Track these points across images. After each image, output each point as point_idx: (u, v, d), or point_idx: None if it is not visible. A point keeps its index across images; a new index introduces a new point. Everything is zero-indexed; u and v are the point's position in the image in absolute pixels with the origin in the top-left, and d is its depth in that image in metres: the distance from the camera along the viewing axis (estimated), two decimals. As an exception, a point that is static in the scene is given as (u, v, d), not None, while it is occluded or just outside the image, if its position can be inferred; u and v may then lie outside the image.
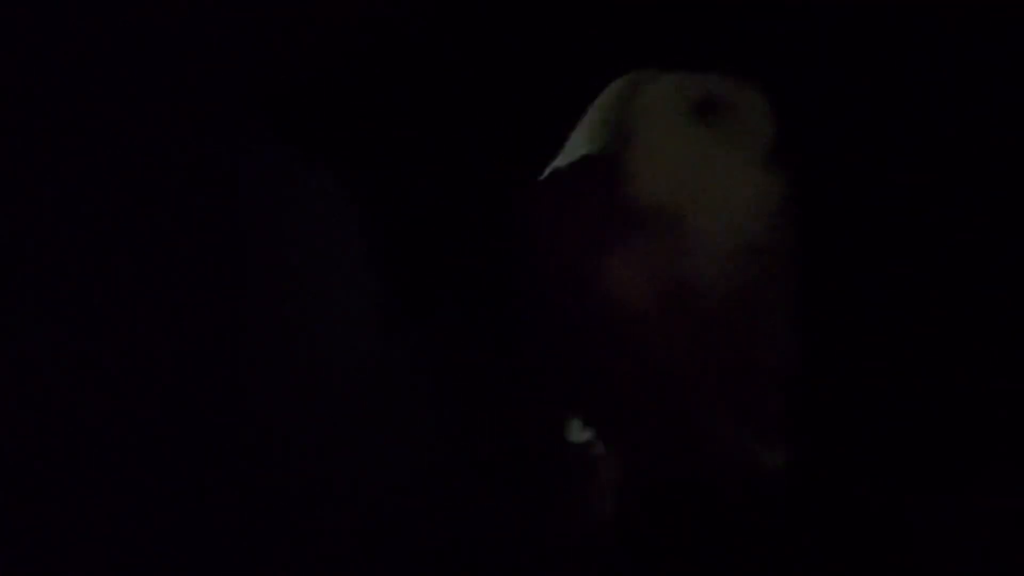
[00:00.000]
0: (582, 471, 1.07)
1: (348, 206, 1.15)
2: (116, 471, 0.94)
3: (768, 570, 1.06)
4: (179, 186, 1.06)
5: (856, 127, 1.26)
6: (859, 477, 1.13)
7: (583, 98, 1.15)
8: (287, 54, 1.19)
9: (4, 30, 1.02)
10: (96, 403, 0.95)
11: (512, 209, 1.11)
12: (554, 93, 1.22)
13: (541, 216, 1.10)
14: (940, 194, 1.23)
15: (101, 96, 1.06)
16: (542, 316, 1.08)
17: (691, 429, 1.06)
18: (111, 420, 0.95)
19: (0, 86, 1.02)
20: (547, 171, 1.13)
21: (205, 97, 1.11)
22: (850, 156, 1.24)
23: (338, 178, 1.17)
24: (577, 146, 1.12)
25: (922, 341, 1.20)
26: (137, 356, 0.99)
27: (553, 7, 1.26)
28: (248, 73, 1.13)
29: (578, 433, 1.09)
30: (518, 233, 1.10)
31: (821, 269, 1.15)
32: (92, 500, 0.92)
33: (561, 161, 1.13)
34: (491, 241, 1.15)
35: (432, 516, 1.01)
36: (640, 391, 1.05)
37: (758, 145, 1.07)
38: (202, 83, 1.10)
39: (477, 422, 1.10)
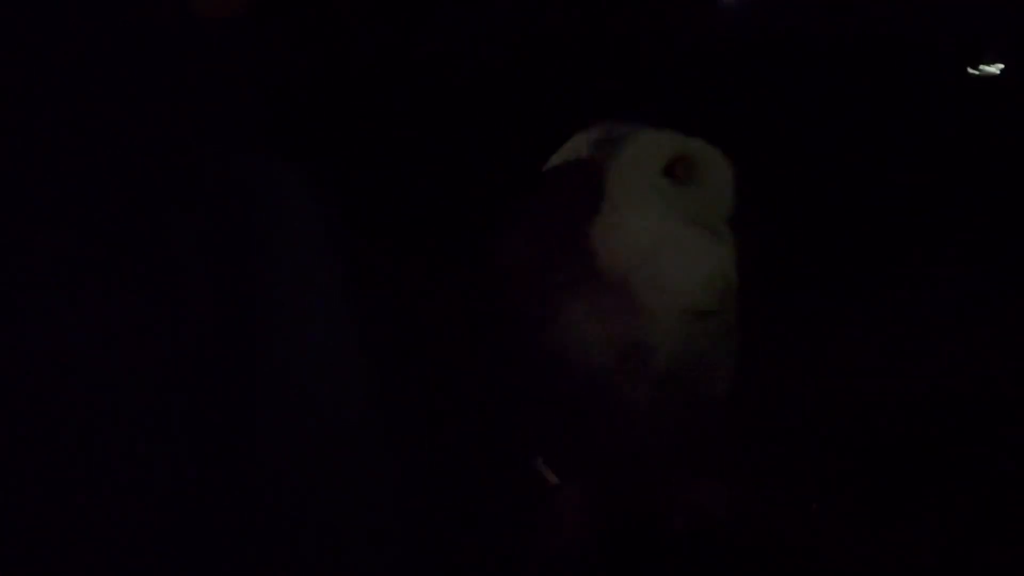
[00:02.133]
0: (545, 505, 1.15)
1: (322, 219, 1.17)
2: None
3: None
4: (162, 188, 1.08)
5: (812, 192, 1.30)
6: (798, 517, 1.23)
7: (558, 134, 1.20)
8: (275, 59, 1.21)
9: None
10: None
11: (483, 249, 1.16)
12: (530, 127, 1.25)
13: (508, 259, 1.17)
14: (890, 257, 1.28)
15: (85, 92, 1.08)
16: (507, 358, 1.15)
17: (647, 472, 1.15)
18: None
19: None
20: (519, 207, 1.19)
21: (194, 98, 1.12)
22: (807, 219, 1.29)
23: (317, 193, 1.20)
24: (550, 190, 1.18)
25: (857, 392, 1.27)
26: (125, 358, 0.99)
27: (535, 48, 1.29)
28: (236, 75, 1.15)
29: (543, 469, 1.17)
30: (487, 273, 1.15)
31: (766, 326, 1.22)
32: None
33: (533, 200, 1.19)
34: (464, 276, 1.18)
35: (400, 549, 1.05)
36: (600, 435, 1.14)
37: (719, 210, 1.14)
38: (192, 85, 1.12)
39: (445, 455, 1.16)
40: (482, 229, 1.18)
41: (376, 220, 1.24)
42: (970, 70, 1.31)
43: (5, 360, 0.95)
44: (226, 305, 1.04)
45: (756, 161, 1.19)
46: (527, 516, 1.16)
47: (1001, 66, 1.29)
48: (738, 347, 1.18)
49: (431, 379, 1.21)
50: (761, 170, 1.21)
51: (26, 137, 1.05)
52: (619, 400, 1.13)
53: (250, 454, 1.01)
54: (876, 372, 1.35)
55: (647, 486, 1.16)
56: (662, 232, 1.13)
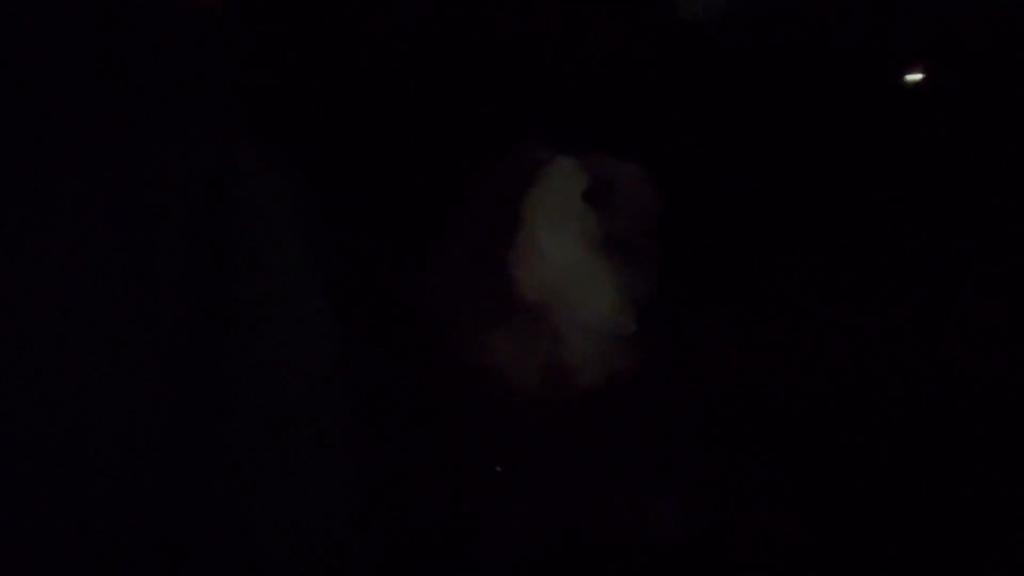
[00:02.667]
0: (499, 518, 1.17)
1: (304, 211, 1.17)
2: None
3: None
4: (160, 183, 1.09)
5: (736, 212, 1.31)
6: (749, 528, 1.22)
7: (485, 150, 1.22)
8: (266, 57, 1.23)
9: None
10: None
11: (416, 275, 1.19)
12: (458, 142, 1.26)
13: (434, 282, 1.20)
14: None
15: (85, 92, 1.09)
16: (441, 374, 1.17)
17: (593, 489, 1.16)
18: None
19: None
20: (442, 230, 1.21)
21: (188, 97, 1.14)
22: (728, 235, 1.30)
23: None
24: (470, 216, 1.21)
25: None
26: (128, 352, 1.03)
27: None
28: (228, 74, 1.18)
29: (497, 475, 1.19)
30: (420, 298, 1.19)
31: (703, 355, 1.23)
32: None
33: (455, 226, 1.21)
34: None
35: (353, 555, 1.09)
36: (541, 451, 1.16)
37: (636, 230, 1.18)
38: (185, 84, 1.13)
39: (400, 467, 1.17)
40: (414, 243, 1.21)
41: (349, 216, 1.25)
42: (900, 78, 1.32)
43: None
44: (205, 298, 1.06)
45: (686, 177, 1.22)
46: (480, 529, 1.18)
47: (921, 75, 1.30)
48: (671, 364, 1.21)
49: (397, 377, 1.21)
50: (690, 186, 1.23)
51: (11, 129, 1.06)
52: (552, 418, 1.17)
53: (225, 449, 1.03)
54: (815, 377, 1.32)
55: (595, 502, 1.18)
56: (577, 258, 1.17)
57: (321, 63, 1.26)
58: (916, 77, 1.28)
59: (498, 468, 1.18)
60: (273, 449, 1.05)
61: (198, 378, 1.05)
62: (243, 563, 1.02)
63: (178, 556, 1.00)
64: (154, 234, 1.08)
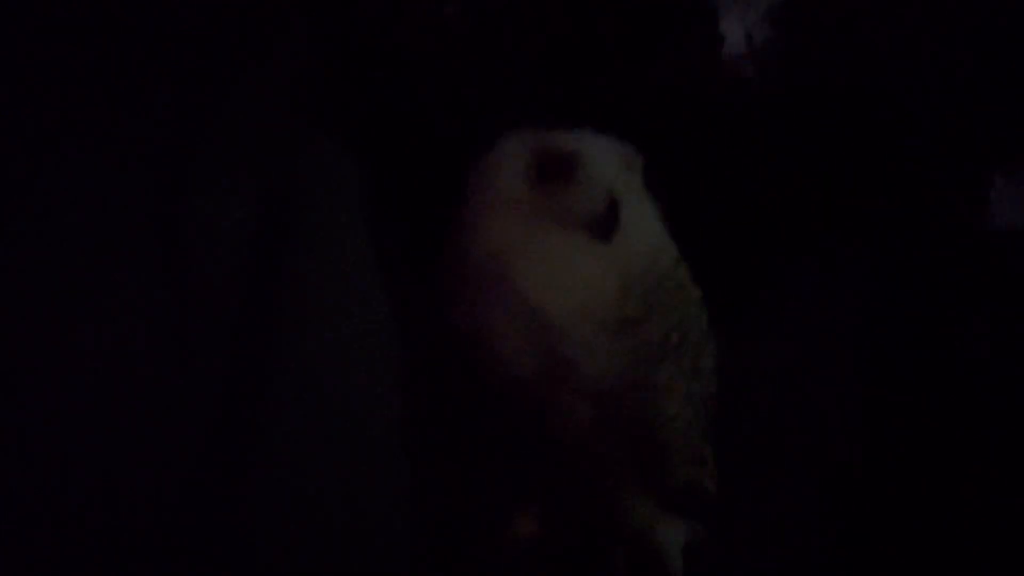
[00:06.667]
0: (498, 527, 1.07)
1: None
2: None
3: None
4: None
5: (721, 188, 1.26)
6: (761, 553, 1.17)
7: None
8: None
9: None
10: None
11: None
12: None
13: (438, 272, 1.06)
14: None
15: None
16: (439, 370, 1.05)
17: (597, 498, 1.06)
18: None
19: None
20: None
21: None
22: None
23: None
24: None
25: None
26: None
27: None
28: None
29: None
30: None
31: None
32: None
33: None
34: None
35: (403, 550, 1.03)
36: (543, 457, 1.04)
37: (597, 206, 1.00)
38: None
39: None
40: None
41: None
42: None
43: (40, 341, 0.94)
44: (256, 292, 1.01)
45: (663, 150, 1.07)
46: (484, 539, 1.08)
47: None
48: (694, 366, 1.05)
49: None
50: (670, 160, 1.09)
51: (52, 98, 1.02)
52: (557, 417, 1.02)
53: (267, 449, 0.97)
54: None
55: (600, 516, 1.06)
56: (527, 243, 1.00)
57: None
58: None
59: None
60: (324, 458, 1.01)
61: (245, 381, 1.01)
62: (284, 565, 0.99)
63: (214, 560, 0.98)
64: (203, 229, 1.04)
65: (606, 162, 1.01)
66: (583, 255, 1.00)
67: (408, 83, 1.29)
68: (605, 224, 1.00)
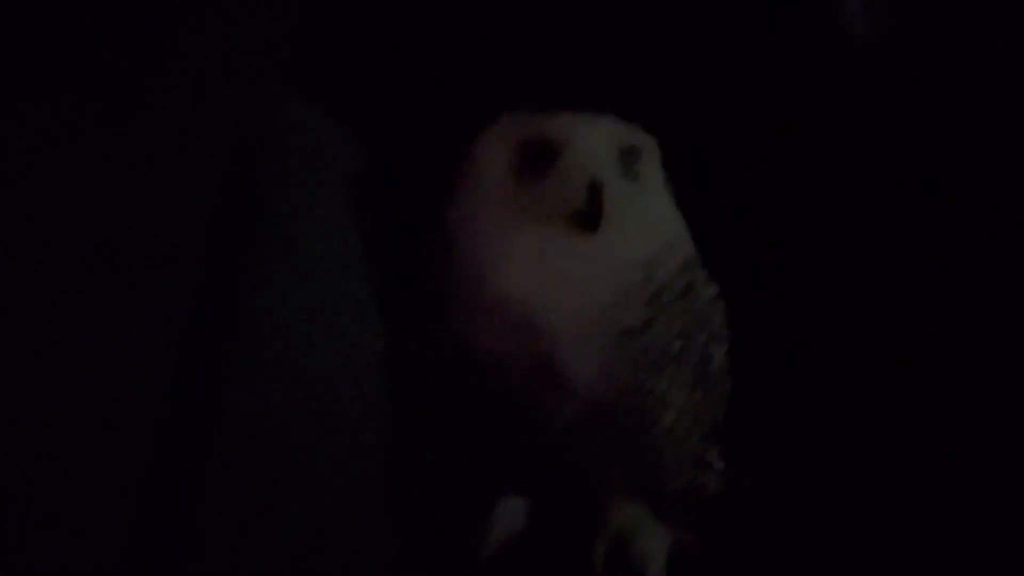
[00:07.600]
0: (484, 520, 1.05)
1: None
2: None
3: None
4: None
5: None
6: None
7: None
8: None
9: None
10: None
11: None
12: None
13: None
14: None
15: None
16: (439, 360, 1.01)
17: (584, 498, 1.03)
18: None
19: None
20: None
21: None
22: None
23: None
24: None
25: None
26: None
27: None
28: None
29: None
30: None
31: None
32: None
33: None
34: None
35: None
36: (530, 453, 1.00)
37: (579, 195, 0.93)
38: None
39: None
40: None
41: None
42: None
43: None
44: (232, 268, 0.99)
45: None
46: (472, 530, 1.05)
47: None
48: (700, 372, 1.01)
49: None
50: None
51: (47, 80, 0.99)
52: (545, 417, 0.97)
53: (245, 435, 0.95)
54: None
55: (581, 510, 1.04)
56: (512, 240, 0.94)
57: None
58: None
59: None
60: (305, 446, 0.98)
61: (218, 360, 0.98)
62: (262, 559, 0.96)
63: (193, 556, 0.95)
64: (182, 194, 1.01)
65: (592, 148, 0.93)
66: (572, 254, 0.94)
67: (416, 46, 1.24)
68: (588, 215, 0.92)
